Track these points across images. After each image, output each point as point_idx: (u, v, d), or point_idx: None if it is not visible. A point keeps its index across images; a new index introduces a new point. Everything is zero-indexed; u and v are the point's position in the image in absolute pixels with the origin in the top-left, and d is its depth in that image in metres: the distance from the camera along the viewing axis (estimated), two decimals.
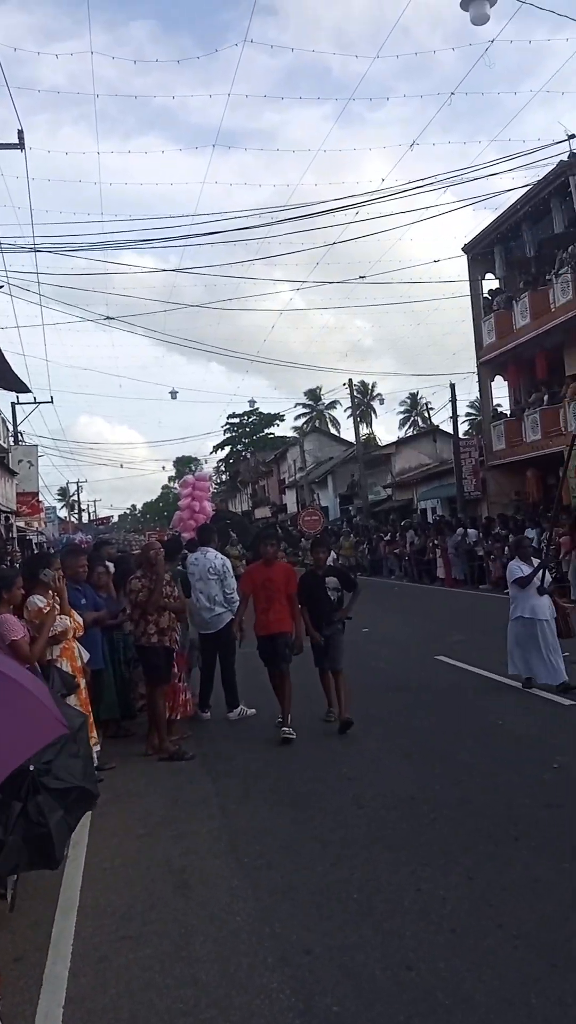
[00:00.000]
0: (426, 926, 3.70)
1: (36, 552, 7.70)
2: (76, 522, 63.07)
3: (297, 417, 69.68)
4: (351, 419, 45.10)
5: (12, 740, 3.07)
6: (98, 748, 6.24)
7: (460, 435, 31.63)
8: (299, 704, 7.60)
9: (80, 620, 6.29)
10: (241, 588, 7.86)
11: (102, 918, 4.04)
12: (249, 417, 71.19)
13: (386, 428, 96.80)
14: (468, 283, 28.99)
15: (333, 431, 65.75)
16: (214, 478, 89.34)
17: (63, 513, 67.19)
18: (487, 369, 28.31)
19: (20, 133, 15.75)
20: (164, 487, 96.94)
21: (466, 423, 51.29)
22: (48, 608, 5.78)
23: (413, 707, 8.13)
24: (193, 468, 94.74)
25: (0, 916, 3.99)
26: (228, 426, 72.93)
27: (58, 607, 5.91)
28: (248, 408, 66.52)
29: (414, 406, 65.60)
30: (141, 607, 7.10)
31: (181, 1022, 3.11)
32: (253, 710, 8.27)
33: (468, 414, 54.49)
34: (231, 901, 4.12)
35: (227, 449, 75.58)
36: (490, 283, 28.76)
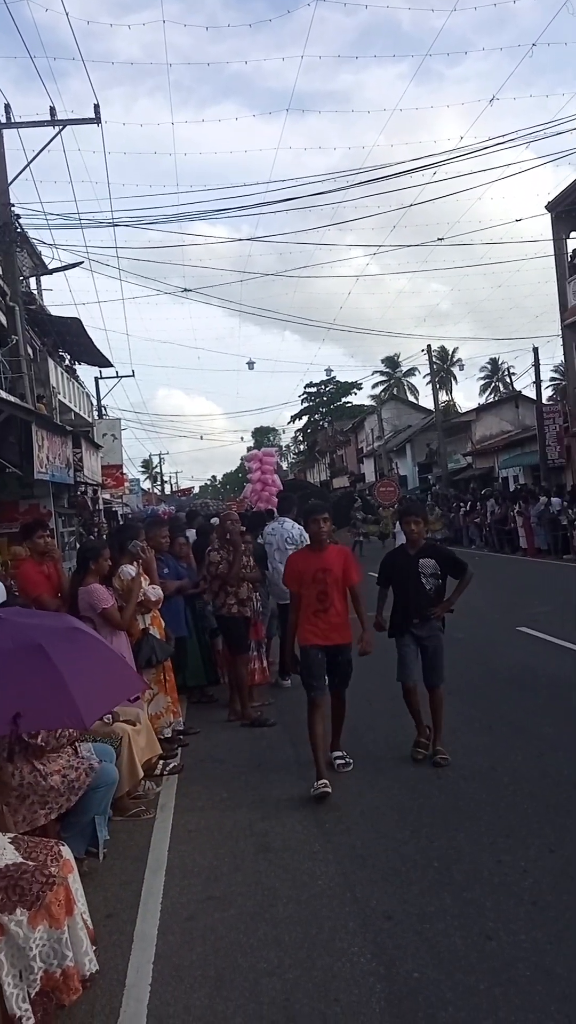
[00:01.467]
0: (506, 897, 3.71)
1: (122, 523, 7.90)
2: (159, 493, 64.30)
3: (375, 385, 69.12)
4: (430, 386, 44.48)
5: (101, 690, 3.24)
6: (181, 717, 6.47)
7: (544, 401, 30.77)
8: (367, 680, 7.57)
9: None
10: (287, 584, 5.88)
11: (189, 878, 4.19)
12: (326, 386, 70.92)
13: (465, 395, 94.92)
14: (552, 242, 28.03)
15: (411, 399, 64.94)
16: (291, 448, 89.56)
17: (146, 485, 68.55)
18: (573, 332, 27.39)
19: (96, 107, 15.95)
20: (243, 457, 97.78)
21: (550, 388, 49.88)
22: (136, 577, 5.97)
23: (493, 679, 8.06)
24: (271, 438, 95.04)
25: (92, 874, 4.17)
26: (305, 395, 72.80)
27: (146, 577, 6.09)
28: (325, 377, 66.29)
29: (495, 371, 64.15)
30: (221, 579, 7.22)
31: (266, 982, 3.21)
32: None
33: (552, 379, 52.92)
34: (312, 865, 4.21)
35: (305, 419, 75.49)
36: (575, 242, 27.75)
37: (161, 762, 5.83)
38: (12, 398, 13.32)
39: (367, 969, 3.24)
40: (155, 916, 3.82)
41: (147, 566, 6.20)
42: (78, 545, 17.05)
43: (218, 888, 4.07)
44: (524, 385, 59.34)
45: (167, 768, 5.86)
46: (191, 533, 9.41)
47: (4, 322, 15.07)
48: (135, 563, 6.09)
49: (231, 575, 7.17)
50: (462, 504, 30.78)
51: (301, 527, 8.71)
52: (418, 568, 5.80)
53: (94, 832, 4.26)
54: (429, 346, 41.35)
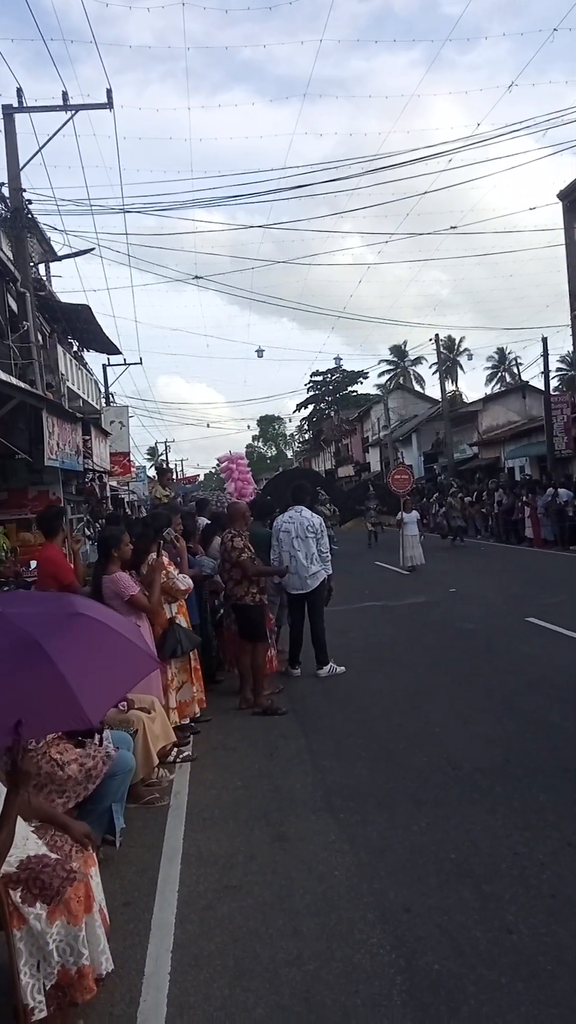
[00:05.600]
0: (525, 891, 3.69)
1: (153, 512, 7.90)
2: (170, 481, 64.02)
3: (381, 374, 68.89)
4: (436, 375, 44.33)
5: (108, 680, 3.12)
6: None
7: (551, 391, 30.62)
8: (378, 672, 7.60)
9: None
10: None
11: (205, 867, 4.19)
12: (333, 375, 70.76)
13: (471, 384, 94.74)
14: (563, 231, 27.87)
15: (418, 388, 64.73)
16: (296, 436, 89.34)
17: (152, 472, 68.35)
18: None
19: (109, 92, 15.82)
20: (248, 446, 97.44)
21: (557, 379, 49.74)
22: (157, 561, 5.96)
23: (504, 670, 8.03)
24: (276, 427, 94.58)
25: (109, 862, 4.16)
26: (311, 384, 72.68)
27: (174, 566, 6.09)
28: (333, 366, 66.10)
29: (502, 361, 63.89)
30: (242, 567, 7.16)
31: (286, 972, 3.21)
32: (342, 668, 8.34)
33: (559, 370, 52.79)
34: (328, 856, 4.20)
35: (310, 407, 75.43)
36: None
37: (175, 749, 5.82)
38: (23, 384, 13.28)
39: (387, 961, 3.23)
40: (172, 905, 3.82)
41: (179, 555, 6.21)
42: (86, 532, 17.06)
43: (234, 877, 4.06)
44: (531, 376, 59.06)
45: (180, 756, 5.86)
46: (202, 520, 9.39)
47: (15, 308, 15.02)
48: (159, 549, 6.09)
49: (246, 564, 7.14)
50: (468, 494, 30.69)
51: (318, 516, 8.67)
52: None
53: (111, 820, 4.26)
54: (437, 335, 41.11)
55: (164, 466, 24.57)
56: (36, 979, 2.85)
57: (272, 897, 3.82)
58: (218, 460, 15.39)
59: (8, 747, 2.75)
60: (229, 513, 8.00)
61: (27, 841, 3.06)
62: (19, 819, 3.01)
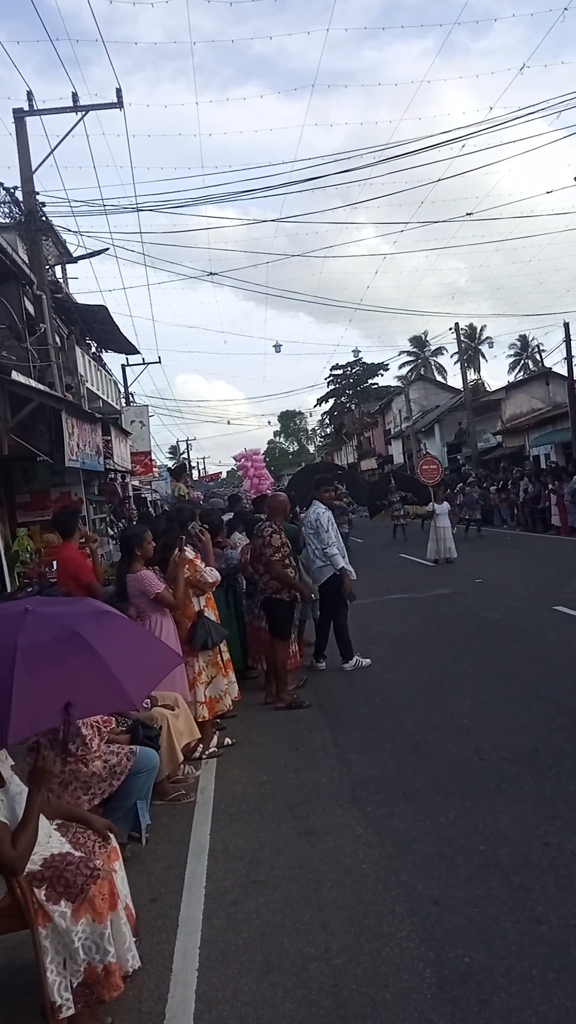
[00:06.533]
0: (555, 881, 3.63)
1: (178, 506, 7.88)
2: (187, 479, 64.20)
3: (401, 366, 68.57)
4: (458, 365, 43.97)
5: (143, 669, 3.22)
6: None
7: (575, 377, 30.23)
8: (403, 663, 7.54)
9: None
10: None
11: (232, 862, 4.17)
12: (352, 368, 70.50)
13: (492, 373, 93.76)
14: None
15: (439, 378, 64.30)
16: (318, 431, 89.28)
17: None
18: None
19: (119, 92, 15.82)
20: (270, 442, 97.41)
21: None
22: (181, 556, 5.96)
23: (531, 658, 7.95)
24: (297, 422, 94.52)
25: (136, 859, 4.16)
26: (332, 378, 72.49)
27: (199, 559, 6.08)
28: (352, 359, 65.88)
29: (524, 348, 63.24)
30: (271, 567, 7.09)
31: (314, 967, 3.18)
32: (368, 660, 8.30)
33: None
34: (356, 849, 4.17)
35: (331, 401, 75.23)
36: None
37: (200, 745, 5.81)
38: (42, 387, 13.34)
39: (416, 954, 3.19)
40: (199, 900, 3.81)
41: (204, 548, 6.20)
42: (109, 531, 17.15)
43: (261, 872, 4.04)
44: (555, 362, 58.47)
45: (206, 752, 5.85)
46: (227, 516, 9.38)
47: (32, 311, 15.09)
48: (186, 544, 6.09)
49: (283, 572, 7.09)
50: (493, 483, 30.43)
51: (322, 510, 8.38)
52: None
53: (136, 817, 4.26)
54: (457, 324, 40.75)
55: (183, 464, 24.85)
56: (63, 977, 2.85)
57: (299, 891, 3.80)
58: (234, 459, 15.55)
59: (59, 728, 2.83)
60: (269, 505, 7.83)
61: (50, 839, 3.06)
62: (42, 817, 3.01)
